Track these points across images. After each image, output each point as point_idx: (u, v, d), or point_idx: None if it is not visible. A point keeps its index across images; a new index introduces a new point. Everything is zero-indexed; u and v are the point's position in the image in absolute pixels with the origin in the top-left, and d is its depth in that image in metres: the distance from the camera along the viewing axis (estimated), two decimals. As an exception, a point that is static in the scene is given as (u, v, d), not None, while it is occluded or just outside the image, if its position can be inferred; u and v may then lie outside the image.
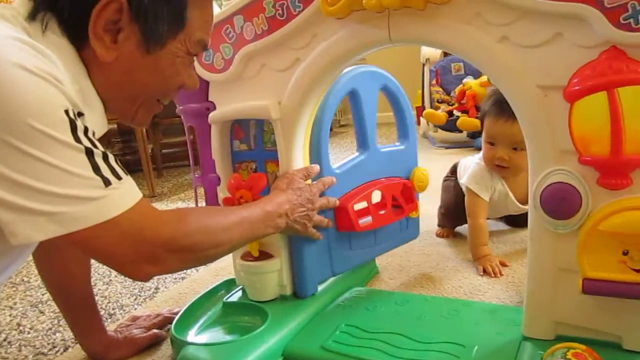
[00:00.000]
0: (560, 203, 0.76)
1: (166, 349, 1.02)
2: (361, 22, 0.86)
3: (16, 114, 0.57)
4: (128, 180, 0.67)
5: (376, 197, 1.15)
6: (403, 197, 1.19)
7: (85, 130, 0.63)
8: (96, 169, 0.62)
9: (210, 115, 1.04)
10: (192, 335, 0.98)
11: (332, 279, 1.13)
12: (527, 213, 0.83)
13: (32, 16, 0.67)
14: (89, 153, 0.62)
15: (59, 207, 0.60)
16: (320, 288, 1.09)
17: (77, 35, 0.69)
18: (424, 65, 3.39)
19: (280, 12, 0.93)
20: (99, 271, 1.53)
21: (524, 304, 0.85)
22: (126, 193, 0.67)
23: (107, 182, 0.63)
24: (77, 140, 0.61)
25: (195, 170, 1.16)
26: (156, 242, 0.70)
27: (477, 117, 1.23)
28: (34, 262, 0.99)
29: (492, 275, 1.21)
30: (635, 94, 0.68)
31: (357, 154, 1.15)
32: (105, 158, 0.65)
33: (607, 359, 0.74)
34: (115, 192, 0.64)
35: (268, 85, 0.98)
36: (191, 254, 0.75)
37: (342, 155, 3.04)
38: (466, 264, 1.30)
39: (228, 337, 0.99)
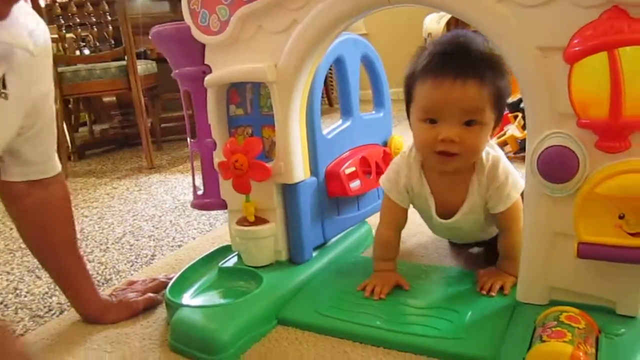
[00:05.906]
0: (558, 167, 0.75)
1: (161, 312, 1.02)
2: (359, -18, 0.85)
3: None
4: None
5: (361, 163, 1.17)
6: (384, 163, 1.21)
7: None
8: None
9: (206, 78, 1.02)
10: (186, 299, 0.98)
11: (327, 246, 1.13)
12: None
13: None
14: None
15: None
16: (315, 254, 1.09)
17: None
18: (426, 40, 3.35)
19: (277, -29, 0.91)
20: (95, 239, 1.53)
21: (520, 270, 0.85)
22: None
23: None
24: None
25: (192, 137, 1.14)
26: None
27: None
28: (17, 232, 0.99)
29: (366, 294, 0.95)
30: (636, 55, 0.66)
31: (340, 121, 1.18)
32: None
33: (600, 323, 0.74)
34: None
35: (264, 47, 0.96)
36: None
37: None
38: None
39: (223, 301, 0.99)
